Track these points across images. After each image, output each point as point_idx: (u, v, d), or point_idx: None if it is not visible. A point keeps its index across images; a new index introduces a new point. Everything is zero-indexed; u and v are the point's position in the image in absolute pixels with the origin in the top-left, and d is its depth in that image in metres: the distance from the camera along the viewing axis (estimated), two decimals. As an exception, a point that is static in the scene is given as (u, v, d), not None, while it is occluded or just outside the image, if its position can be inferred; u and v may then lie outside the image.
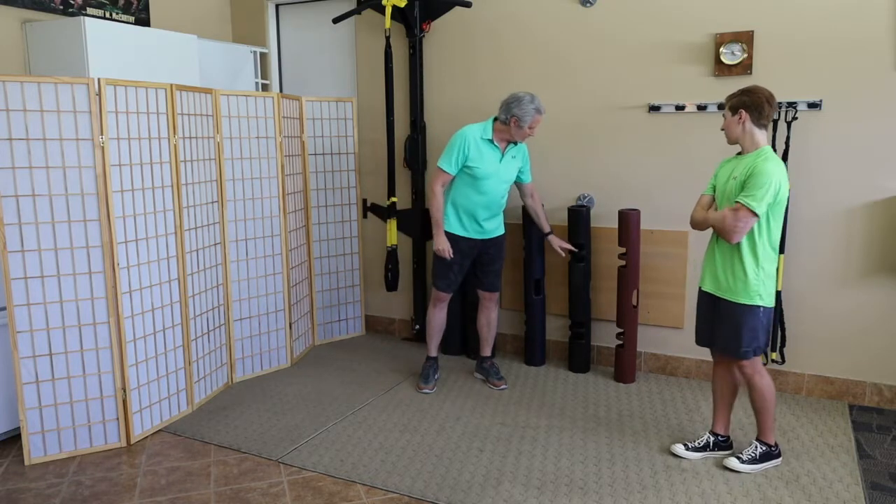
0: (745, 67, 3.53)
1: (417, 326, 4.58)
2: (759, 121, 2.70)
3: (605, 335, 4.09)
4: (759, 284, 2.70)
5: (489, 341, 3.91)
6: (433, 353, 3.89)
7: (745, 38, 3.50)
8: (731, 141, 2.79)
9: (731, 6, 3.54)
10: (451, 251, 3.56)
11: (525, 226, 4.00)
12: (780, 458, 2.90)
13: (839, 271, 3.50)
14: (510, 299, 4.29)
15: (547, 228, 3.83)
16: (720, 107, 2.83)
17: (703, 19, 3.61)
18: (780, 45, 3.47)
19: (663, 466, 2.91)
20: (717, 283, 2.80)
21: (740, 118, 2.70)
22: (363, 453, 3.06)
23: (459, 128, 4.22)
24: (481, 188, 3.53)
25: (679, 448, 3.04)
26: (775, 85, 3.21)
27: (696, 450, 3.01)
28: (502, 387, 3.77)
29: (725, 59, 3.55)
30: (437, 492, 2.72)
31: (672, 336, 3.93)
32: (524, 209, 3.96)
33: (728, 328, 2.77)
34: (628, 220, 3.71)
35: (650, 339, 3.98)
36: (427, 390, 3.74)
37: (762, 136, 2.73)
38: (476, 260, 3.72)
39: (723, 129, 2.81)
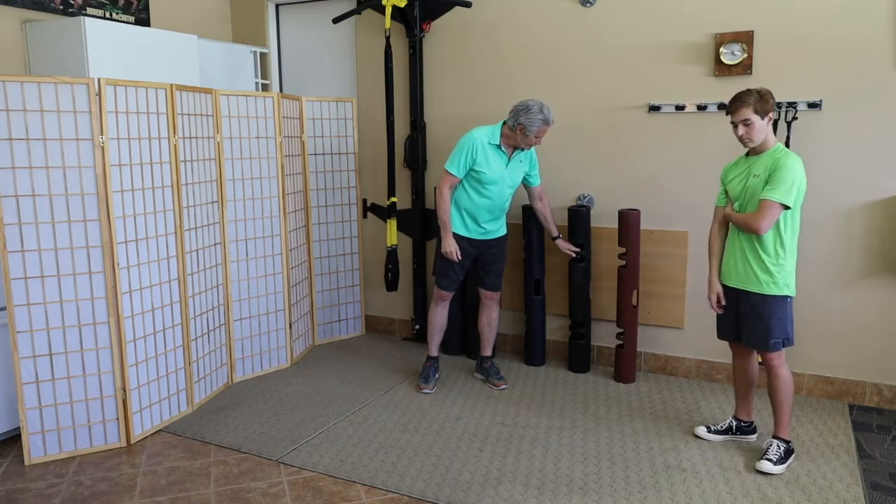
0: (745, 67, 3.53)
1: (417, 326, 4.58)
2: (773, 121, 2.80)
3: (605, 335, 4.09)
4: (785, 275, 2.76)
5: (490, 341, 3.91)
6: (434, 352, 3.88)
7: (745, 38, 3.50)
8: (755, 144, 2.78)
9: (731, 6, 3.54)
10: (459, 254, 3.55)
11: (525, 226, 4.00)
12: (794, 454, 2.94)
13: (839, 271, 3.50)
14: (510, 299, 4.28)
15: (555, 232, 3.82)
16: (727, 109, 2.81)
17: (703, 19, 3.61)
18: (780, 45, 3.47)
19: (663, 466, 2.91)
20: (742, 276, 2.84)
21: (769, 120, 2.74)
22: (363, 453, 3.06)
23: (459, 128, 4.23)
24: (485, 192, 3.53)
25: (702, 430, 3.15)
26: (775, 85, 3.22)
27: (718, 432, 3.12)
28: (502, 387, 3.77)
29: (725, 59, 3.55)
30: (437, 492, 2.72)
31: (672, 336, 3.93)
32: (524, 209, 3.97)
33: (757, 321, 2.81)
34: (628, 220, 3.71)
35: (650, 339, 3.98)
36: (427, 390, 3.74)
37: (773, 135, 2.81)
38: (478, 259, 3.72)
39: (745, 137, 2.76)
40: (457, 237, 3.60)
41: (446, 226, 3.57)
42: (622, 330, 3.84)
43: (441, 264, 3.69)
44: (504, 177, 3.52)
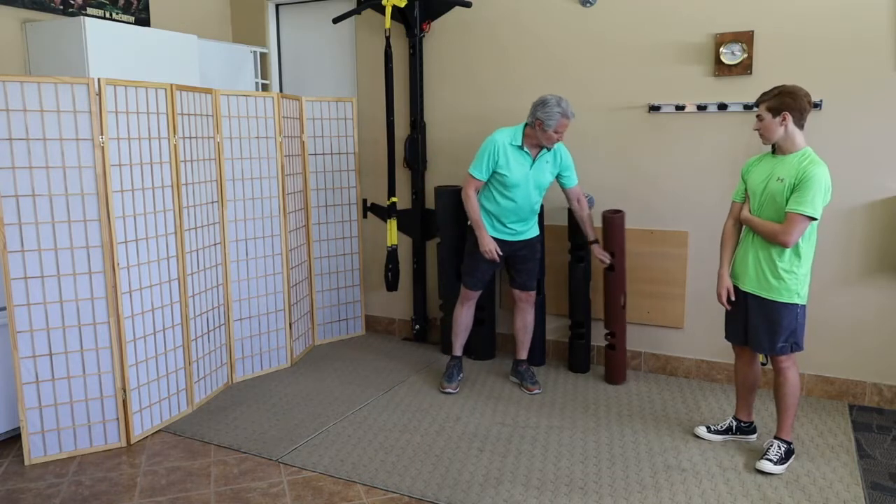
0: (745, 67, 3.53)
1: (417, 326, 4.57)
2: (799, 122, 2.70)
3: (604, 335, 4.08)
4: (798, 283, 2.73)
5: (525, 345, 3.82)
6: (458, 352, 3.83)
7: (745, 38, 3.50)
8: (769, 142, 2.76)
9: (731, 6, 3.54)
10: (498, 250, 3.48)
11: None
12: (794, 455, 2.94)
13: (839, 271, 3.50)
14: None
15: (591, 237, 3.69)
16: (753, 107, 2.77)
17: (703, 19, 3.61)
18: (780, 45, 3.47)
19: (663, 466, 2.91)
20: (753, 281, 2.81)
21: (783, 120, 2.67)
22: (363, 453, 3.06)
23: (460, 128, 4.24)
24: (510, 195, 3.47)
25: (702, 430, 3.15)
26: (775, 85, 3.20)
27: (718, 432, 3.12)
28: (535, 391, 3.69)
29: (725, 59, 3.55)
30: (437, 492, 2.72)
31: (672, 336, 3.93)
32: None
33: (765, 326, 2.79)
34: (612, 224, 3.68)
35: (650, 339, 3.98)
36: (450, 390, 3.69)
37: (802, 137, 2.72)
38: (508, 259, 3.67)
39: (757, 131, 2.76)
40: None
41: (479, 224, 3.51)
42: (610, 331, 3.82)
43: (468, 262, 3.65)
44: (528, 179, 3.46)
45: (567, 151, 3.59)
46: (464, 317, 3.78)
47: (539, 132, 3.35)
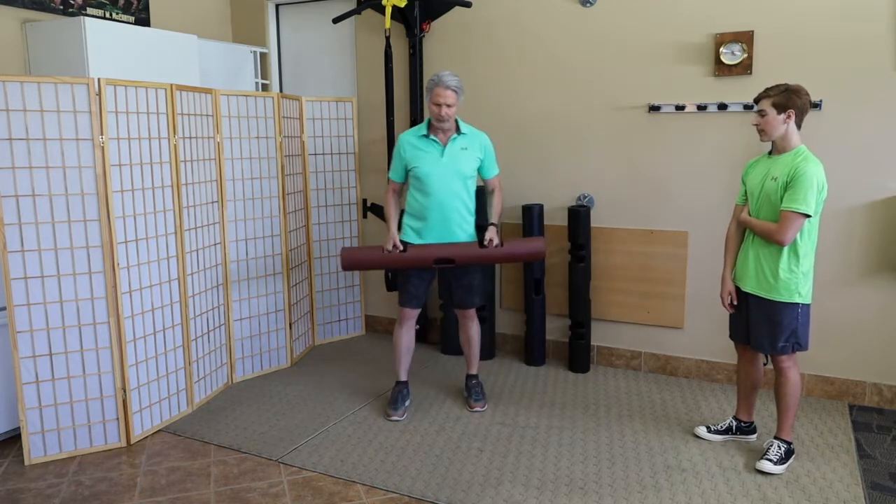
0: (745, 67, 3.53)
1: (417, 326, 4.55)
2: (799, 121, 2.71)
3: (605, 335, 4.08)
4: (797, 282, 2.72)
5: (472, 359, 3.58)
6: (402, 377, 3.52)
7: (745, 38, 3.50)
8: (769, 139, 2.75)
9: (731, 6, 3.54)
10: (396, 245, 3.24)
11: (525, 226, 3.99)
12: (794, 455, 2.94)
13: (839, 271, 3.50)
14: (510, 299, 4.29)
15: (493, 219, 3.38)
16: (755, 101, 2.77)
17: (703, 19, 3.61)
18: (780, 45, 3.47)
19: (663, 466, 2.91)
20: (752, 281, 2.81)
21: (787, 117, 2.68)
22: (363, 453, 3.06)
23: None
24: (426, 188, 3.27)
25: (702, 430, 3.15)
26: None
27: (718, 432, 3.12)
28: (476, 409, 3.47)
29: (725, 59, 3.55)
30: (437, 492, 2.72)
31: (672, 336, 3.93)
32: (524, 209, 3.96)
33: (765, 325, 2.79)
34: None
35: (650, 339, 3.98)
36: (396, 417, 3.37)
37: (798, 137, 2.73)
38: (442, 274, 3.43)
39: (757, 125, 2.75)
40: (408, 246, 3.30)
41: (388, 218, 3.37)
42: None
43: (399, 278, 3.43)
44: (441, 165, 3.25)
45: (489, 140, 3.39)
46: (403, 338, 3.46)
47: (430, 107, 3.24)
